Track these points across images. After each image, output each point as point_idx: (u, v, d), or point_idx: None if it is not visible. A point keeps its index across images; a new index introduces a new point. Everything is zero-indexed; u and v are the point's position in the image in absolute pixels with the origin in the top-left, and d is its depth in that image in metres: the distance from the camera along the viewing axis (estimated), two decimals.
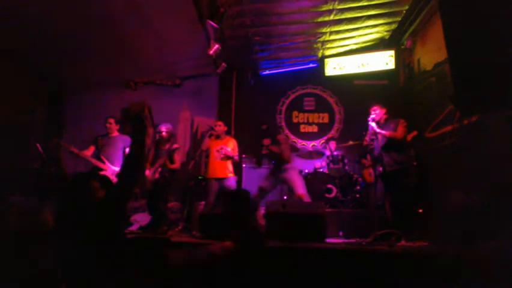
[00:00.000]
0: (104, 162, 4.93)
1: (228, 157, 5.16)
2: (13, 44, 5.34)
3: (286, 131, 7.29)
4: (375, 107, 4.38)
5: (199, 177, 5.98)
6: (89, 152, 5.01)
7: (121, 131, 5.34)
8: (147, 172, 4.95)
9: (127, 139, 5.30)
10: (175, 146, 5.15)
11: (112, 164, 4.98)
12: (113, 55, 5.81)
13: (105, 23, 4.89)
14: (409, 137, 4.60)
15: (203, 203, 5.30)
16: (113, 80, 6.76)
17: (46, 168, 5.46)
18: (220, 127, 5.37)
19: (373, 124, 4.24)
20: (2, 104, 5.96)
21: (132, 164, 1.83)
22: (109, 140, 5.14)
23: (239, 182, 5.93)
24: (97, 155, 4.99)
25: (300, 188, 4.64)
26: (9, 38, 5.14)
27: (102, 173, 4.82)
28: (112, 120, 5.26)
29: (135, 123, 1.85)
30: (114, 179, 4.87)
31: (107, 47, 5.56)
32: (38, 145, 5.53)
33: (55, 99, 7.08)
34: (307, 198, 4.63)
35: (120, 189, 1.85)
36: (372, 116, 4.30)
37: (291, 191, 4.95)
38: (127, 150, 5.15)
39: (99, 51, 5.64)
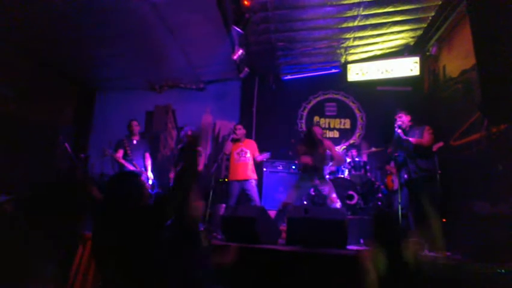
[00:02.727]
0: (136, 168, 5.06)
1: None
2: (45, 48, 5.57)
3: None
4: (400, 114, 4.31)
5: (220, 180, 6.05)
6: (119, 154, 5.11)
7: (143, 133, 5.46)
8: (171, 174, 5.05)
9: (147, 143, 5.45)
10: (199, 149, 5.22)
11: (139, 169, 5.11)
12: (140, 59, 5.98)
13: (134, 29, 5.05)
14: (435, 148, 4.51)
15: (224, 205, 5.35)
16: (139, 83, 6.95)
17: (74, 168, 5.63)
18: (240, 130, 5.42)
19: (400, 131, 4.18)
20: (32, 104, 6.21)
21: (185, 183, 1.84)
22: (133, 144, 5.26)
23: (259, 186, 5.96)
24: (127, 159, 5.10)
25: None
26: (42, 42, 5.37)
27: None
28: (135, 123, 5.38)
29: (189, 152, 1.97)
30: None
31: (135, 52, 5.72)
32: (66, 145, 5.72)
33: (84, 100, 7.33)
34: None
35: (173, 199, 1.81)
36: (399, 123, 4.23)
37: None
38: (147, 154, 5.29)
39: (127, 55, 5.81)
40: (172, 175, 5.08)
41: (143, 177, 5.00)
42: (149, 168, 5.23)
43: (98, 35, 5.26)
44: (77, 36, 5.28)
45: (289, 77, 7.53)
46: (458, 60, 5.25)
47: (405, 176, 4.20)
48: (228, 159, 5.57)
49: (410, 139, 4.06)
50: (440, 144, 4.69)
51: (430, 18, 5.70)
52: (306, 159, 4.59)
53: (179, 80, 7.03)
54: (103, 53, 5.74)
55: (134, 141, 5.28)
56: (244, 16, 4.83)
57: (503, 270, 2.52)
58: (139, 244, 1.64)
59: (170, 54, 5.89)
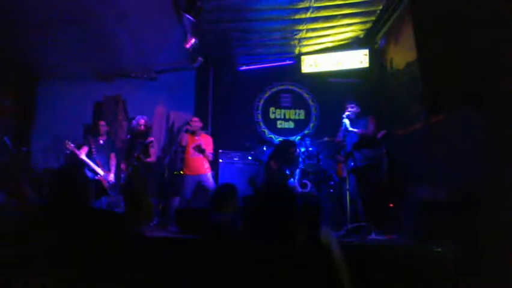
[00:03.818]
0: (99, 167, 5.00)
1: (200, 149, 5.12)
2: None
3: (263, 127, 7.33)
4: (351, 105, 4.47)
5: (175, 173, 5.94)
6: (83, 151, 5.02)
7: (109, 132, 5.45)
8: (122, 165, 4.92)
9: (113, 144, 5.35)
10: (150, 138, 5.15)
11: (102, 168, 5.05)
12: (87, 46, 5.68)
13: (80, 14, 4.77)
14: (379, 136, 4.75)
15: (178, 198, 5.28)
16: (86, 72, 6.59)
17: (13, 161, 5.32)
18: (196, 123, 5.33)
19: (347, 121, 4.34)
20: None
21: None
22: (99, 144, 5.17)
23: (215, 177, 5.93)
24: (90, 157, 5.03)
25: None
26: None
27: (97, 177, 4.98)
28: (103, 123, 5.29)
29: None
30: (105, 185, 4.91)
31: (81, 38, 5.42)
32: (5, 138, 5.35)
33: (25, 90, 6.82)
34: None
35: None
36: (347, 112, 4.40)
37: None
38: (112, 155, 5.20)
39: (72, 41, 5.49)
40: (123, 166, 4.96)
41: (101, 177, 4.95)
42: (113, 169, 5.18)
43: (39, 19, 4.90)
44: (15, 19, 4.89)
45: (245, 67, 7.49)
46: (403, 53, 5.50)
47: (352, 164, 4.38)
48: (183, 152, 5.48)
49: (355, 130, 4.24)
50: (383, 132, 4.95)
51: (378, 11, 5.91)
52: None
53: (130, 69, 6.76)
54: (45, 38, 5.37)
55: (101, 141, 5.22)
56: (196, 4, 4.72)
57: (439, 249, 2.72)
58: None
59: (119, 41, 5.62)
